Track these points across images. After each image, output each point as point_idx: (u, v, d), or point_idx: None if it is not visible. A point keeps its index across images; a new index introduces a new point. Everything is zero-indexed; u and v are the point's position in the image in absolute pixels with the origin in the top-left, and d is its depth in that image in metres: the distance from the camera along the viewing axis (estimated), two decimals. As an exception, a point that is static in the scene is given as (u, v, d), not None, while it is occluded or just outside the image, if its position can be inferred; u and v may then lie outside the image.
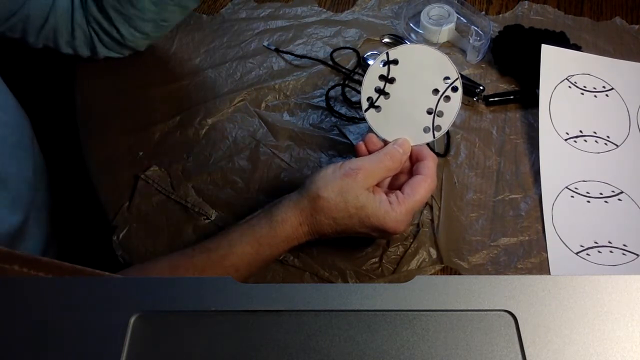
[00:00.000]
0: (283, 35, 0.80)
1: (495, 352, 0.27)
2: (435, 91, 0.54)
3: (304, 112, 0.72)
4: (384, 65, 0.55)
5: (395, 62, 0.55)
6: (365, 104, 0.56)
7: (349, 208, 0.51)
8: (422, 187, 0.52)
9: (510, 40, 0.73)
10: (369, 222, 0.51)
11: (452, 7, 0.76)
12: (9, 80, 0.66)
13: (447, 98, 0.54)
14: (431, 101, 0.54)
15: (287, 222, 0.52)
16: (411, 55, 0.55)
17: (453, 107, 0.54)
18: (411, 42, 0.76)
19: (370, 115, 0.56)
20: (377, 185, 0.55)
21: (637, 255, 0.59)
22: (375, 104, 0.55)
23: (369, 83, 0.56)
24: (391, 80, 0.55)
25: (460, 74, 0.54)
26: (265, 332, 0.28)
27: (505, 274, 0.59)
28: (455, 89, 0.54)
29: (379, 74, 0.56)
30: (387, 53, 0.55)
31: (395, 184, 0.56)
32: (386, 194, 0.53)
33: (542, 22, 0.78)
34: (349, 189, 0.51)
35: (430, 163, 0.54)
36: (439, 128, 0.54)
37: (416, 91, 0.55)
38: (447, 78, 0.54)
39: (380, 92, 0.56)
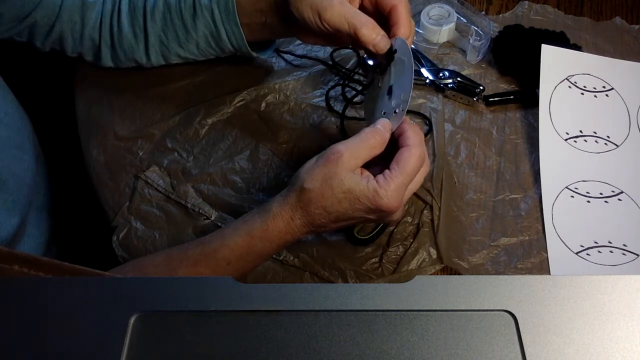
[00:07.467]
0: (283, 35, 0.80)
1: (495, 352, 0.27)
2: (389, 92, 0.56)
3: (304, 112, 0.72)
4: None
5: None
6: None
7: (336, 194, 0.50)
8: (409, 158, 0.50)
9: (510, 40, 0.73)
10: (360, 204, 0.50)
11: (452, 7, 0.76)
12: (10, 81, 0.66)
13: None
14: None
15: (279, 216, 0.51)
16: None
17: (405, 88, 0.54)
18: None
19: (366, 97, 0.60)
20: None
21: (637, 255, 0.59)
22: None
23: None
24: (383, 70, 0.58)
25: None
26: (265, 332, 0.28)
27: (505, 274, 0.59)
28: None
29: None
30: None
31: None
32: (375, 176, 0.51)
33: (542, 22, 0.78)
34: (333, 175, 0.50)
35: (409, 133, 0.52)
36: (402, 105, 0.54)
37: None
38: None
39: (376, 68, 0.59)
